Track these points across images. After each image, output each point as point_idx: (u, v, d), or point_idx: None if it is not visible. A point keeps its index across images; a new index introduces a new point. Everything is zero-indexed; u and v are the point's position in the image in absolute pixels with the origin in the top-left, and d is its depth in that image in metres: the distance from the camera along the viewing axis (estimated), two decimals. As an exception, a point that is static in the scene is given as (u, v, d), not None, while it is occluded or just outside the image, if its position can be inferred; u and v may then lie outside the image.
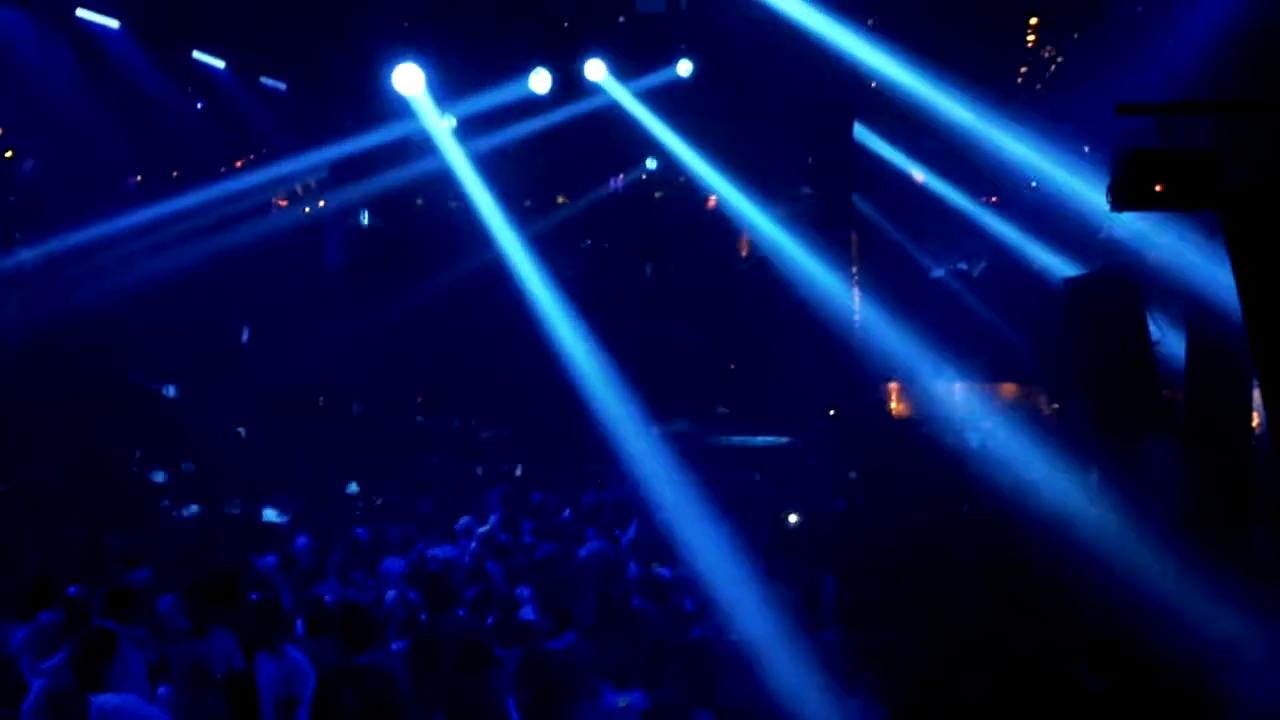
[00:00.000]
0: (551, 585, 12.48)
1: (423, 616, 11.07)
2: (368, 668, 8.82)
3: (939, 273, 26.10)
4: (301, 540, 14.98)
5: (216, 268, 21.28)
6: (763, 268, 25.51)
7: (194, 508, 17.86)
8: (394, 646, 10.21)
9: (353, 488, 20.33)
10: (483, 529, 15.79)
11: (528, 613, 11.59)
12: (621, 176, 26.24)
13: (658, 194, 26.29)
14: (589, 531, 15.56)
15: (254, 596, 11.00)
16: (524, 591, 12.58)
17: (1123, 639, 10.30)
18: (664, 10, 20.71)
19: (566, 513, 17.49)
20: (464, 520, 16.00)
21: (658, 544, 15.22)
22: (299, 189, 25.12)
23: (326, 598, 11.63)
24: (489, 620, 11.12)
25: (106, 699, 8.04)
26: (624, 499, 18.01)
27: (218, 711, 8.87)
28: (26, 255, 19.82)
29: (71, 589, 10.76)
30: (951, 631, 10.99)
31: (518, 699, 9.63)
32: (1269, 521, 14.80)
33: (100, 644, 8.46)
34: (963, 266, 26.03)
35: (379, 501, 19.16)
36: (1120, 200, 13.37)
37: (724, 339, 25.28)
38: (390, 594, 12.36)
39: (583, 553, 14.55)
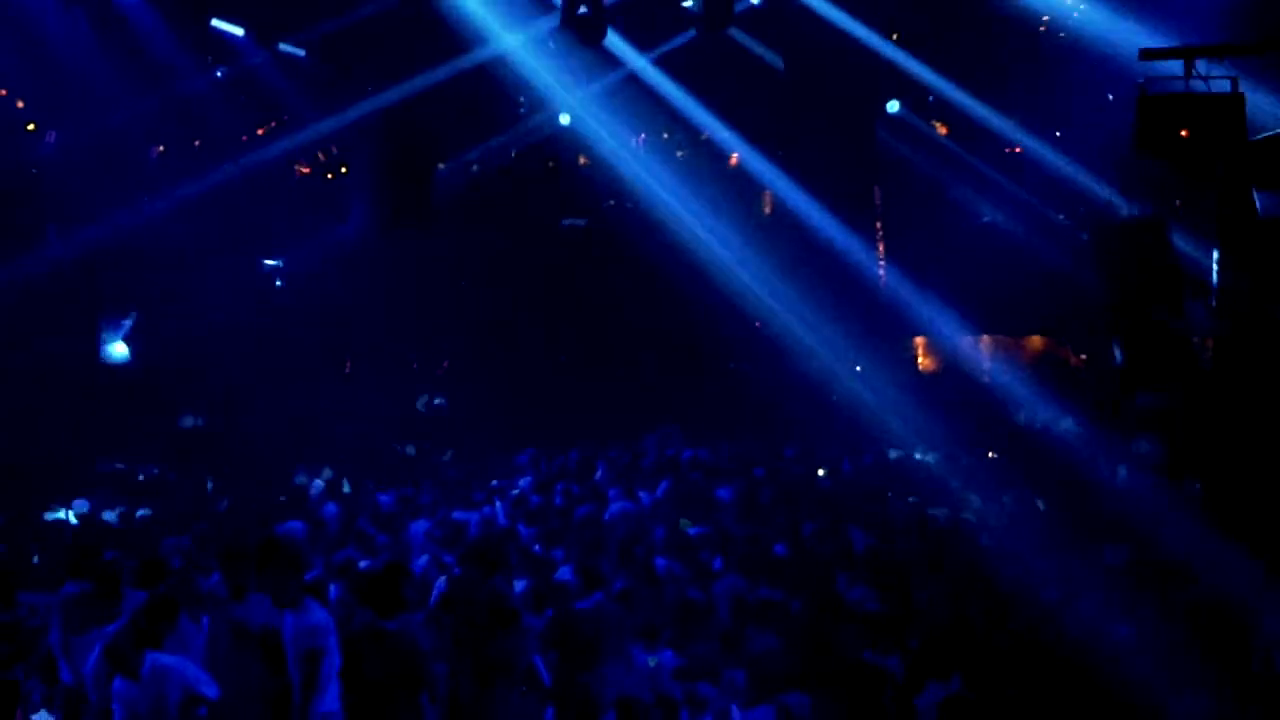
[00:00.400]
0: (581, 547, 12.50)
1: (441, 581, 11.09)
2: (394, 633, 8.88)
3: (987, 219, 25.82)
4: (330, 508, 15.05)
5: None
6: (785, 223, 25.46)
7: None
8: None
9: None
10: (514, 492, 15.81)
11: (565, 574, 11.64)
12: (643, 136, 26.09)
13: (680, 153, 26.15)
14: (612, 492, 15.58)
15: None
16: (559, 554, 12.62)
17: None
18: None
19: (600, 471, 17.51)
20: (493, 483, 16.04)
21: (691, 500, 15.24)
22: (320, 155, 25.10)
23: (361, 564, 11.68)
24: (522, 583, 11.14)
25: (160, 656, 8.40)
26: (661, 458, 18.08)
27: (255, 669, 8.96)
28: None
29: (108, 554, 10.83)
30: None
31: (547, 659, 9.67)
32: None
33: (163, 609, 8.77)
34: (983, 219, 25.83)
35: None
36: (1145, 147, 13.28)
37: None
38: (423, 559, 12.38)
39: (607, 514, 14.56)
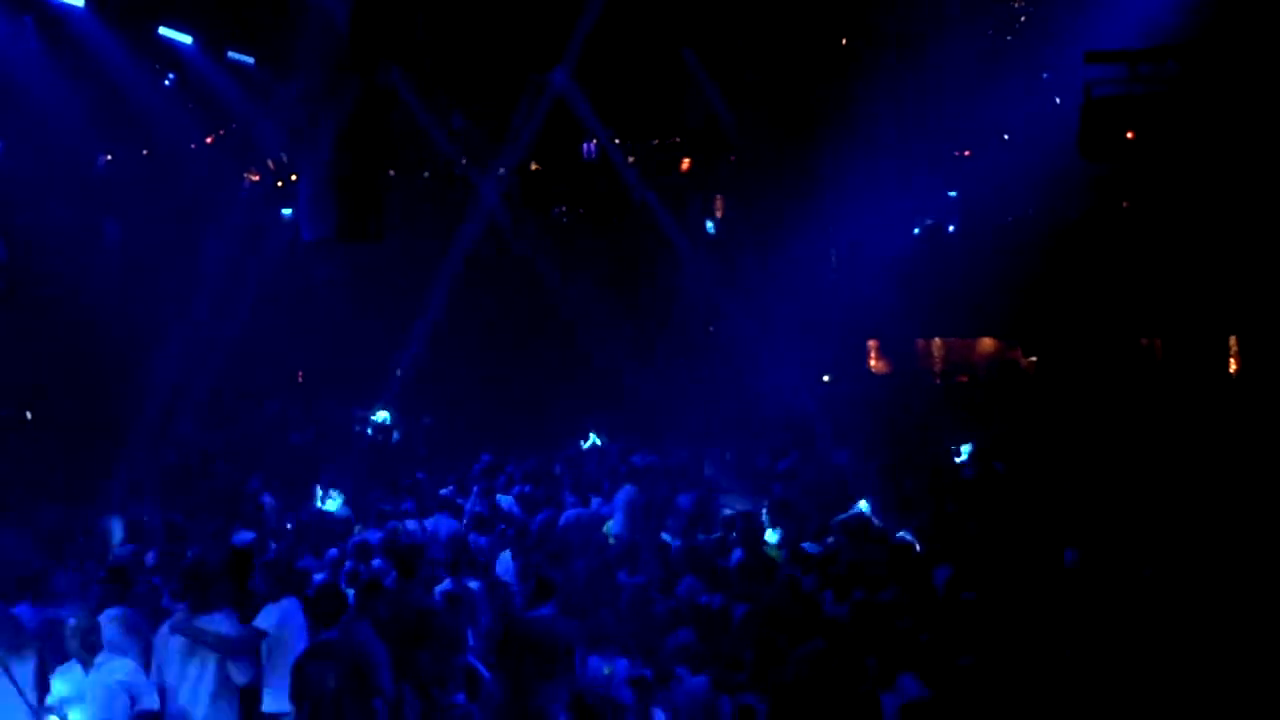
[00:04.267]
0: (536, 554, 12.49)
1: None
2: (338, 641, 8.91)
3: (917, 230, 26.09)
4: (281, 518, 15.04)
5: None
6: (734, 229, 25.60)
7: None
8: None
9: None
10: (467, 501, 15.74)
11: (512, 581, 11.66)
12: (595, 142, 26.13)
13: (630, 159, 26.21)
14: (566, 498, 15.57)
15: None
16: (505, 562, 12.61)
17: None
18: None
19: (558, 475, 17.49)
20: (445, 490, 16.00)
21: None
22: (270, 163, 25.01)
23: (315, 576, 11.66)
24: (475, 587, 11.18)
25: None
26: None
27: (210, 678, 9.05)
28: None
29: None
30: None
31: (500, 669, 9.67)
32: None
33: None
34: (929, 222, 26.03)
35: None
36: (1090, 151, 13.42)
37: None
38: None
39: (563, 520, 14.55)
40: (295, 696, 8.70)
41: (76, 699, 8.45)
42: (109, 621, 9.12)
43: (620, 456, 18.47)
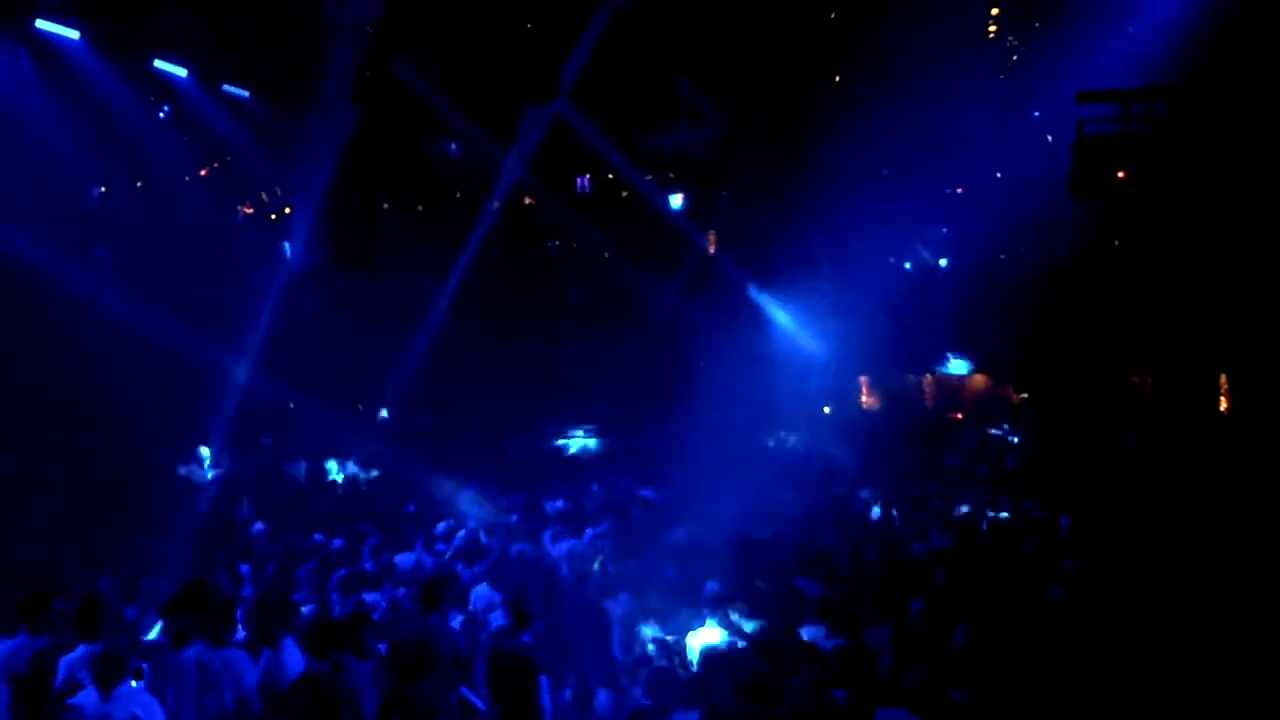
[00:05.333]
0: (514, 585, 12.52)
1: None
2: (325, 675, 8.89)
3: (908, 265, 26.18)
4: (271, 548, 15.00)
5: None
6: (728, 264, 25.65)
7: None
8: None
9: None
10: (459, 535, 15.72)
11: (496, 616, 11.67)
12: (589, 176, 26.24)
13: (624, 193, 26.30)
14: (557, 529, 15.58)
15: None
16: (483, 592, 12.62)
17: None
18: None
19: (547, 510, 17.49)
20: (440, 526, 15.97)
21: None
22: (264, 195, 25.10)
23: (304, 608, 11.64)
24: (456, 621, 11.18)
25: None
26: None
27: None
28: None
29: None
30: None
31: (489, 693, 9.72)
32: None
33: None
34: (927, 257, 26.11)
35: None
36: (1082, 189, 13.49)
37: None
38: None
39: (554, 552, 14.58)
40: None
41: None
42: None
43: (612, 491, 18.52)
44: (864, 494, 18.48)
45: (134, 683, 8.64)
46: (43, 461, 18.77)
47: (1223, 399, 20.82)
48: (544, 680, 9.70)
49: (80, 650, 9.20)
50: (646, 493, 18.67)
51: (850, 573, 13.54)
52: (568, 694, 10.02)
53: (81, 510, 17.27)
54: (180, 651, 9.28)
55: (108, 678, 8.45)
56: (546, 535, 15.20)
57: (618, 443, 23.20)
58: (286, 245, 23.28)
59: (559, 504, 17.57)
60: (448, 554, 14.65)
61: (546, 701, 9.67)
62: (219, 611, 9.58)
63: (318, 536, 15.36)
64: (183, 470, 20.96)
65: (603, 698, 9.86)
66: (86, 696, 8.50)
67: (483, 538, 15.20)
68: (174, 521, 17.33)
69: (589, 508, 17.73)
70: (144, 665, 9.32)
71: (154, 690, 9.02)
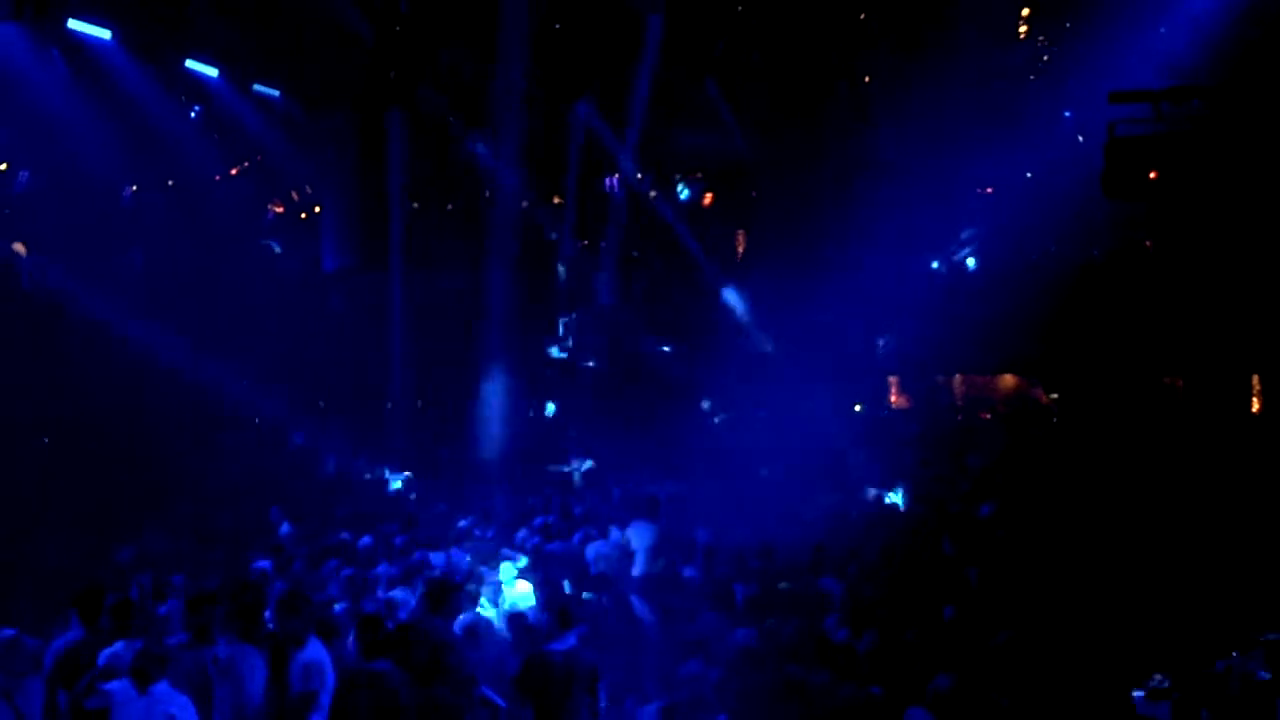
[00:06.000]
0: (552, 586, 12.50)
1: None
2: (378, 673, 8.98)
3: (936, 264, 26.09)
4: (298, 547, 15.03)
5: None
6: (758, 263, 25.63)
7: None
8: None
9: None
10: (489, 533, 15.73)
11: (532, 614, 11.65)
12: (617, 177, 26.22)
13: (653, 193, 26.26)
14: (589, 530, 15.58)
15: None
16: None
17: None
18: None
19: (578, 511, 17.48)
20: (464, 522, 15.98)
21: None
22: (294, 194, 25.18)
23: (336, 606, 11.69)
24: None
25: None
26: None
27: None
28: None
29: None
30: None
31: (523, 701, 9.70)
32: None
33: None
34: (958, 258, 26.01)
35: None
36: (1114, 189, 13.41)
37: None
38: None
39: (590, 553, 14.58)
40: None
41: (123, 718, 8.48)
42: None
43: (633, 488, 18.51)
44: (891, 494, 18.45)
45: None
46: (72, 461, 18.89)
47: (1255, 400, 20.71)
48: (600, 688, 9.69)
49: (118, 646, 9.26)
50: (669, 491, 18.60)
51: (878, 573, 13.51)
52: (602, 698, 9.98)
53: (111, 510, 17.38)
54: (204, 649, 9.35)
55: (146, 674, 8.50)
56: (577, 536, 15.20)
57: (648, 441, 23.17)
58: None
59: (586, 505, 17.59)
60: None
61: (595, 707, 9.65)
62: (248, 609, 9.64)
63: (345, 535, 15.39)
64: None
65: (630, 702, 9.86)
66: (120, 686, 8.54)
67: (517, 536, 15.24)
68: (207, 523, 17.47)
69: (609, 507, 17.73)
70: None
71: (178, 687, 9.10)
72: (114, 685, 8.57)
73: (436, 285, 24.43)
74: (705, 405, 25.74)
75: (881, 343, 25.03)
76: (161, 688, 8.50)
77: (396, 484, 21.31)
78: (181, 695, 8.66)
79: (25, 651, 8.94)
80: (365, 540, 14.93)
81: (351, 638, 10.00)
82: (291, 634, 9.20)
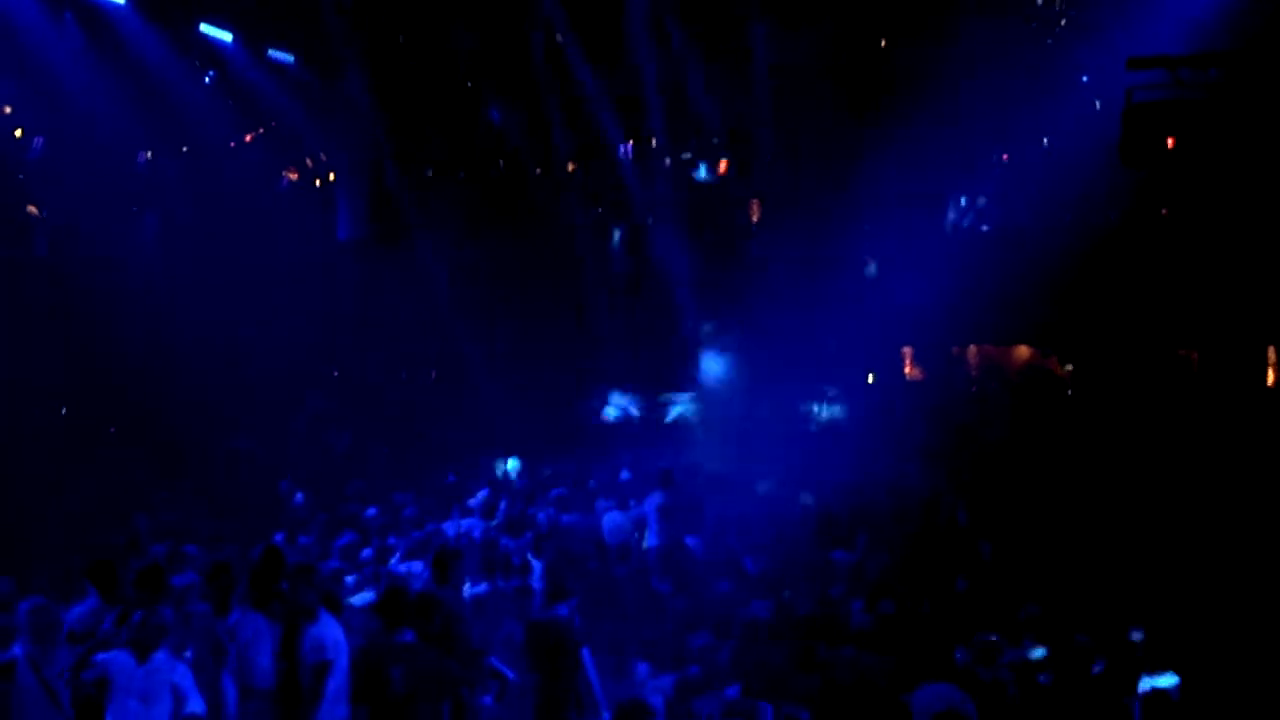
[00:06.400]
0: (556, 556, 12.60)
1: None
2: (416, 646, 9.06)
3: (954, 218, 25.85)
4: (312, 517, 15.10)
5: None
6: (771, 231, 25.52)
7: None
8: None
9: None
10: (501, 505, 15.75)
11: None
12: (631, 144, 26.11)
13: (668, 160, 26.13)
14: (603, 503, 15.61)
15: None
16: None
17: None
18: None
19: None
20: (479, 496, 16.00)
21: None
22: (308, 161, 25.14)
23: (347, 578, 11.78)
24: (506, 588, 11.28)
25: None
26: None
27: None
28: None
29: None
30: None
31: (529, 661, 9.79)
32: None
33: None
34: (971, 224, 25.82)
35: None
36: (1130, 157, 13.32)
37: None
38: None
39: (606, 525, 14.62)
40: (360, 698, 8.91)
41: (124, 688, 8.50)
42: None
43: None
44: (906, 468, 18.42)
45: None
46: (88, 430, 18.95)
47: (1271, 371, 20.61)
48: (585, 652, 9.73)
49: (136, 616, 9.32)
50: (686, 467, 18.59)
51: (893, 545, 13.52)
52: (608, 664, 10.05)
53: (127, 479, 17.42)
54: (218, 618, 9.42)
55: (145, 644, 8.52)
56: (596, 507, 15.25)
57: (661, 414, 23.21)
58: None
59: (604, 476, 17.59)
60: (493, 524, 14.69)
61: (592, 675, 9.70)
62: (262, 579, 9.70)
63: (354, 507, 15.44)
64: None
65: (643, 670, 9.90)
66: (118, 656, 8.56)
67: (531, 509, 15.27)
68: (221, 494, 17.51)
69: (627, 480, 17.74)
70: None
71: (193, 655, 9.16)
72: (111, 655, 8.59)
73: (450, 255, 24.40)
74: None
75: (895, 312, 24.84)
76: (161, 656, 8.54)
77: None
78: (180, 664, 8.71)
79: (53, 618, 8.99)
80: (372, 511, 15.01)
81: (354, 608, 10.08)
82: (304, 606, 9.26)
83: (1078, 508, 14.45)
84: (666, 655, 10.06)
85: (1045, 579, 11.40)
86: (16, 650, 8.63)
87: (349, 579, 11.82)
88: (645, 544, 14.58)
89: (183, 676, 8.65)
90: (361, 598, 11.32)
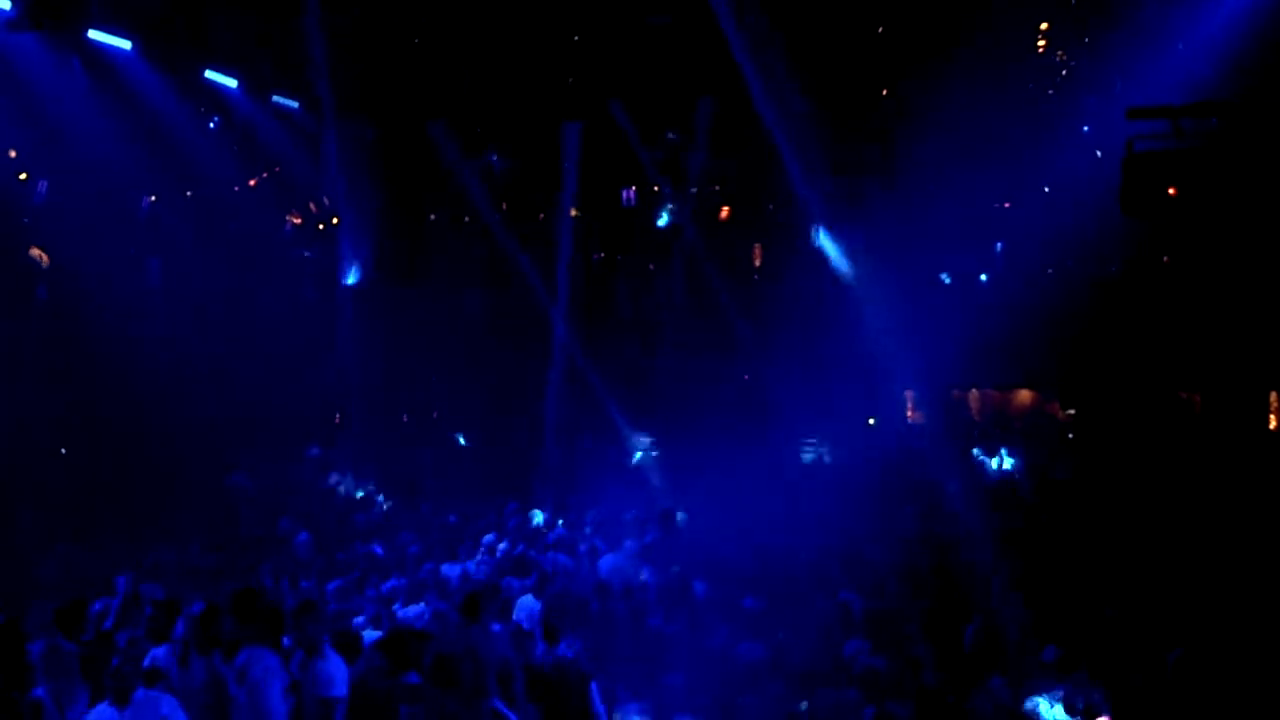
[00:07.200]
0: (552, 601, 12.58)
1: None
2: (413, 687, 9.15)
3: (947, 279, 25.96)
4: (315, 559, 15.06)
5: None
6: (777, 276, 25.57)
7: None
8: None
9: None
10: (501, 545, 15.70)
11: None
12: (634, 189, 26.22)
13: (670, 206, 26.23)
14: (601, 544, 15.57)
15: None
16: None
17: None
18: None
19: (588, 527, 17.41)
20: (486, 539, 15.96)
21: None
22: (312, 206, 25.23)
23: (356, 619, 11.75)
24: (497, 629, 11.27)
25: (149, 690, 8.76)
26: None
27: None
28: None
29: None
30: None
31: (532, 708, 9.77)
32: None
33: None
34: (971, 271, 25.90)
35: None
36: (1131, 205, 13.37)
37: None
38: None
39: (603, 569, 14.58)
40: None
41: None
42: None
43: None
44: (908, 509, 18.37)
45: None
46: (88, 471, 18.91)
47: (1273, 417, 20.64)
48: (594, 686, 9.72)
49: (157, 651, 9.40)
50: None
51: (898, 588, 13.48)
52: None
53: (125, 518, 17.38)
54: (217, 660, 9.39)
55: (122, 692, 8.52)
56: (585, 548, 15.21)
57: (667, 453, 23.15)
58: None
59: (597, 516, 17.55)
60: (494, 565, 14.65)
61: (599, 707, 9.69)
62: (266, 617, 9.68)
63: (359, 547, 15.42)
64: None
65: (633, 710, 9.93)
66: (98, 711, 8.57)
67: (531, 551, 15.21)
68: (217, 532, 17.47)
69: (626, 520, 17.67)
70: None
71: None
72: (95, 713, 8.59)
73: (456, 297, 24.47)
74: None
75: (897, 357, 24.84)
76: (140, 694, 8.56)
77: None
78: (169, 699, 8.68)
79: (66, 656, 9.01)
80: (376, 549, 14.99)
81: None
82: (309, 642, 9.23)
83: (1081, 549, 14.42)
84: (655, 695, 10.08)
85: (1057, 622, 11.36)
86: (39, 691, 8.69)
87: (357, 620, 11.79)
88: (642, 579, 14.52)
89: (172, 707, 8.68)
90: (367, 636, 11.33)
